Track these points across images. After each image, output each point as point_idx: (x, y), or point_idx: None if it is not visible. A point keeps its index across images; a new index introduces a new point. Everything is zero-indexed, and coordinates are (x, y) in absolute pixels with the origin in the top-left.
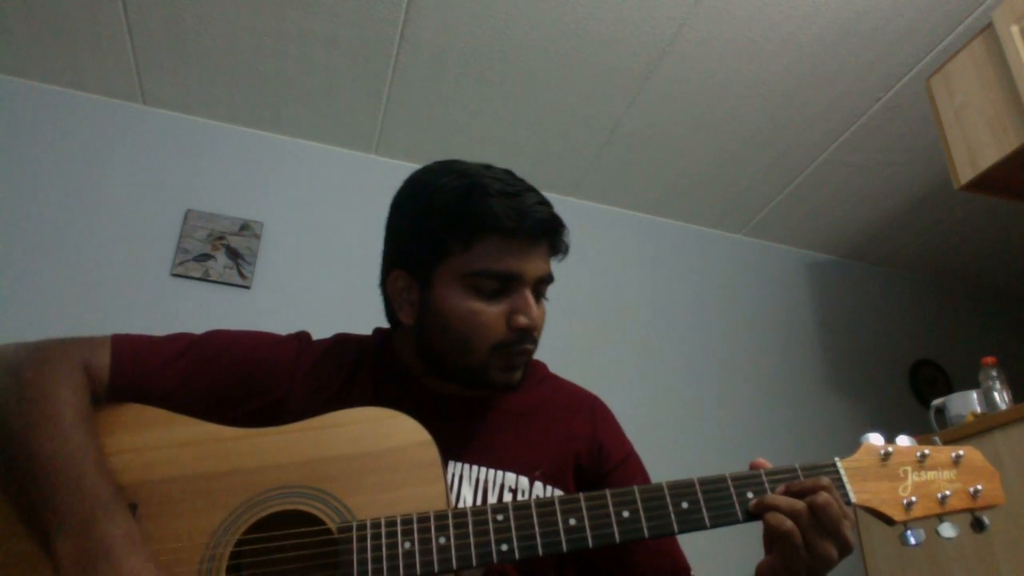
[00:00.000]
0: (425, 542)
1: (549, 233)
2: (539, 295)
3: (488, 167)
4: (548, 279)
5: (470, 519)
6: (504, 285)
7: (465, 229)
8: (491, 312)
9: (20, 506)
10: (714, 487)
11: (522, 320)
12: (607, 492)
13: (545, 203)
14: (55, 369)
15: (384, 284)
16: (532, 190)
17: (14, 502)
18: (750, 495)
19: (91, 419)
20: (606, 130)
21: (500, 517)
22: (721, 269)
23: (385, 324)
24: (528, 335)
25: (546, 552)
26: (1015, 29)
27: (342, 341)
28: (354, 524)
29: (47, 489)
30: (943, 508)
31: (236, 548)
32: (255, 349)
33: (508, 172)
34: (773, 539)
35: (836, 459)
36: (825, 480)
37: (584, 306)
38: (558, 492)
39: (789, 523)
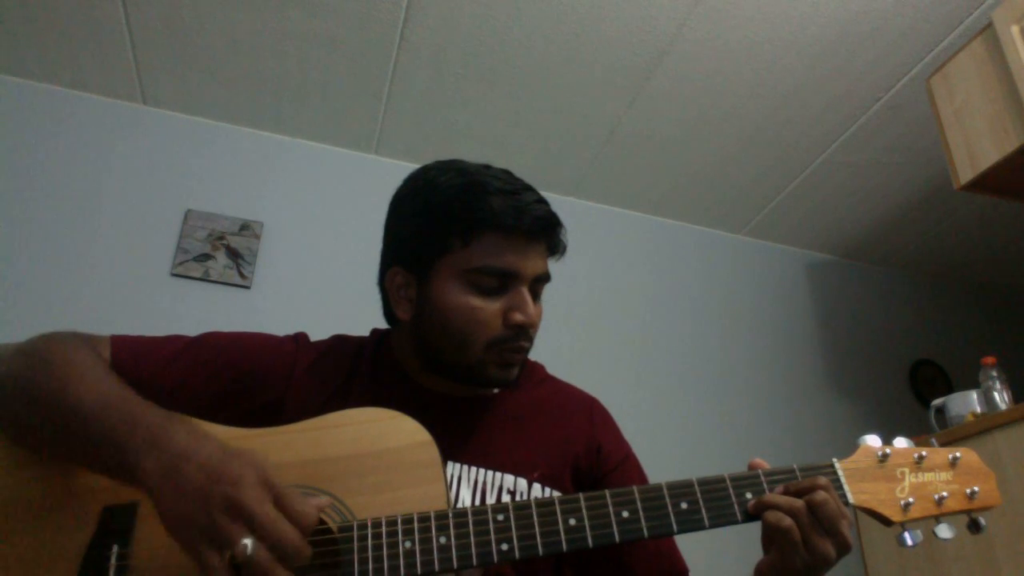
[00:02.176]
0: (426, 542)
1: (547, 231)
2: (536, 294)
3: (487, 166)
4: (545, 278)
5: (470, 519)
6: (502, 282)
7: (464, 226)
8: (489, 308)
9: (79, 455)
10: (713, 487)
11: (519, 317)
12: (607, 492)
13: (543, 202)
14: (69, 343)
15: (382, 281)
16: (530, 189)
17: (70, 455)
18: (749, 495)
19: (115, 374)
20: (606, 130)
21: (501, 517)
22: (721, 269)
23: (384, 325)
24: (524, 332)
25: (546, 552)
26: (1015, 29)
27: (340, 342)
28: (354, 524)
29: (107, 427)
30: (940, 509)
31: None
32: (253, 350)
33: (507, 172)
34: (772, 538)
35: (834, 460)
36: (823, 480)
37: (584, 306)
38: (556, 494)
39: (788, 521)
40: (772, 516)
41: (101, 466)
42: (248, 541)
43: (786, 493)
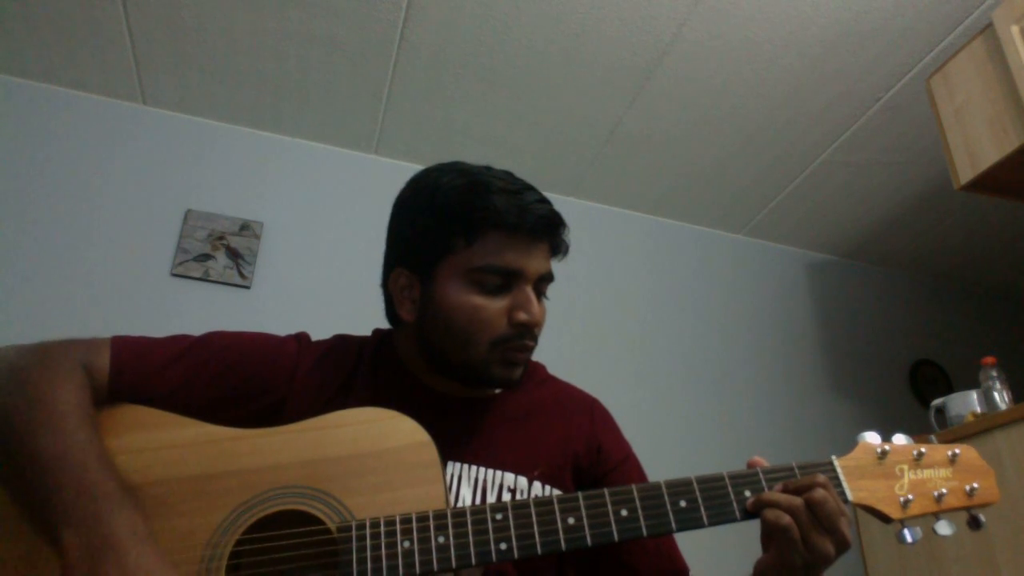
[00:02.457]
0: (424, 541)
1: (550, 230)
2: (540, 293)
3: (489, 168)
4: (549, 277)
5: (469, 518)
6: (506, 281)
7: (467, 225)
8: (493, 307)
9: (24, 504)
10: (712, 486)
11: (523, 316)
12: (605, 491)
13: (546, 201)
14: (56, 369)
15: (386, 283)
16: (532, 189)
17: (18, 500)
18: (748, 493)
19: (94, 418)
20: (606, 130)
21: (499, 516)
22: (721, 269)
23: (385, 325)
24: (529, 331)
25: (545, 551)
26: (1015, 29)
27: (341, 341)
28: (353, 524)
29: (52, 485)
30: (939, 506)
31: (236, 548)
32: (254, 350)
33: (509, 172)
34: (771, 536)
35: (833, 457)
36: (821, 477)
37: (584, 306)
38: (557, 493)
39: (787, 519)
40: (771, 514)
41: (32, 520)
42: None
43: (785, 491)
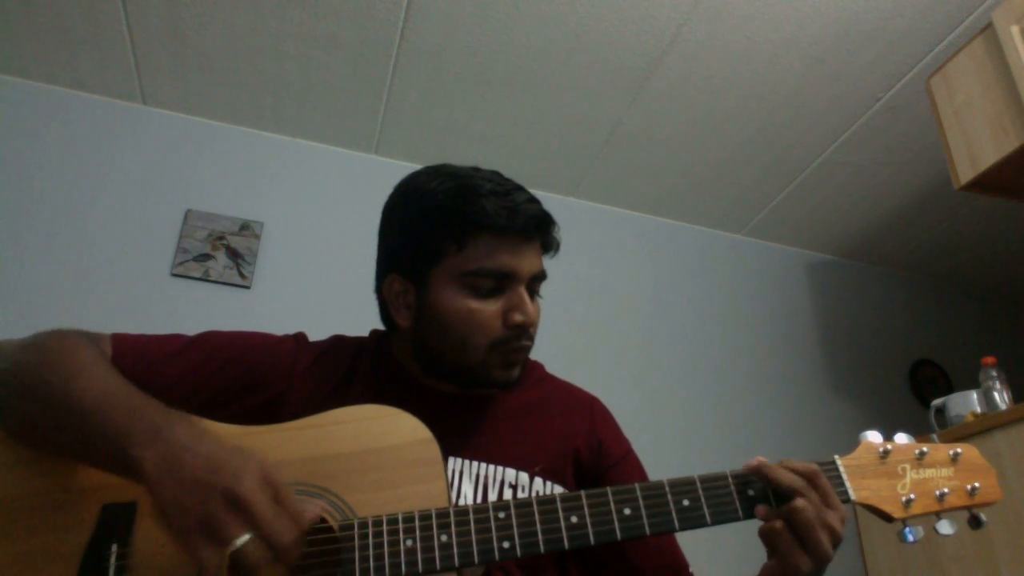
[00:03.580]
0: (427, 539)
1: (541, 229)
2: (533, 292)
3: (477, 169)
4: (541, 276)
5: (472, 516)
6: (499, 283)
7: (458, 229)
8: (488, 310)
9: (79, 448)
10: (715, 485)
11: (518, 317)
12: (608, 490)
13: (535, 201)
14: (71, 338)
15: (379, 289)
16: (521, 189)
17: (69, 449)
18: (751, 492)
19: (117, 371)
20: (606, 130)
21: (502, 515)
22: (721, 269)
23: (383, 326)
24: (525, 331)
25: (547, 549)
26: (1015, 29)
27: (339, 341)
28: (355, 522)
29: (109, 420)
30: (941, 505)
31: None
32: (253, 347)
33: (496, 173)
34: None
35: (835, 457)
36: (799, 482)
37: (584, 306)
38: (558, 488)
39: (779, 524)
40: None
41: (101, 460)
42: (246, 535)
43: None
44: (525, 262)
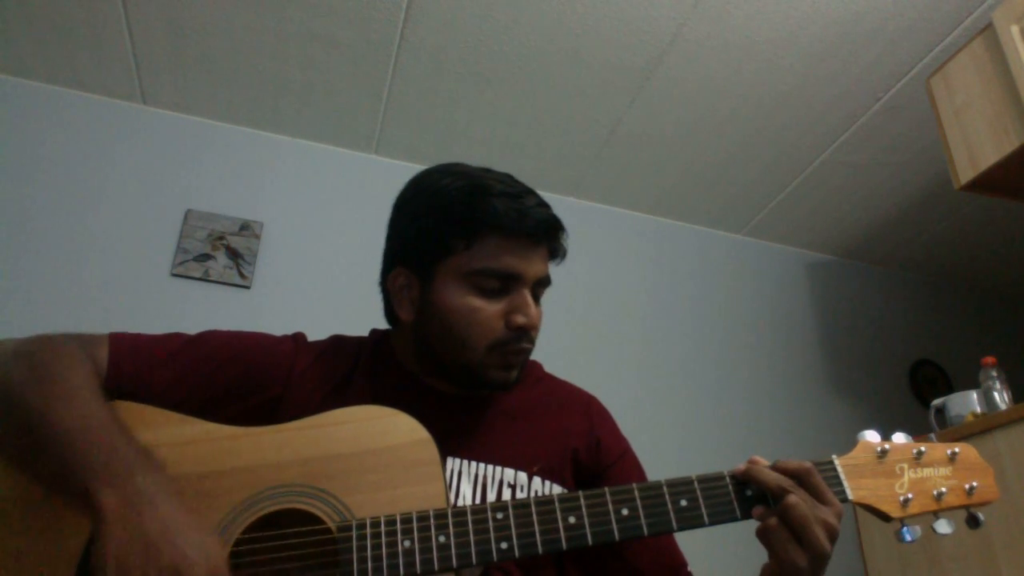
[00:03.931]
0: (425, 540)
1: (549, 234)
2: (536, 297)
3: (489, 170)
4: (546, 282)
5: (470, 517)
6: (504, 284)
7: (467, 228)
8: (490, 310)
9: (47, 475)
10: (712, 485)
11: (520, 319)
12: (606, 490)
13: (545, 205)
14: (62, 352)
15: (384, 281)
16: (532, 192)
17: (39, 474)
18: (749, 492)
19: (104, 396)
20: (606, 130)
21: (500, 515)
22: (721, 269)
23: (383, 325)
24: (526, 334)
25: (546, 550)
26: (1015, 29)
27: (338, 341)
28: (354, 523)
29: (79, 452)
30: (939, 505)
31: (235, 547)
32: (251, 347)
33: (509, 175)
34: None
35: (833, 456)
36: (787, 481)
37: (584, 306)
38: (556, 487)
39: (774, 521)
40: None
41: (61, 488)
42: None
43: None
44: (531, 265)
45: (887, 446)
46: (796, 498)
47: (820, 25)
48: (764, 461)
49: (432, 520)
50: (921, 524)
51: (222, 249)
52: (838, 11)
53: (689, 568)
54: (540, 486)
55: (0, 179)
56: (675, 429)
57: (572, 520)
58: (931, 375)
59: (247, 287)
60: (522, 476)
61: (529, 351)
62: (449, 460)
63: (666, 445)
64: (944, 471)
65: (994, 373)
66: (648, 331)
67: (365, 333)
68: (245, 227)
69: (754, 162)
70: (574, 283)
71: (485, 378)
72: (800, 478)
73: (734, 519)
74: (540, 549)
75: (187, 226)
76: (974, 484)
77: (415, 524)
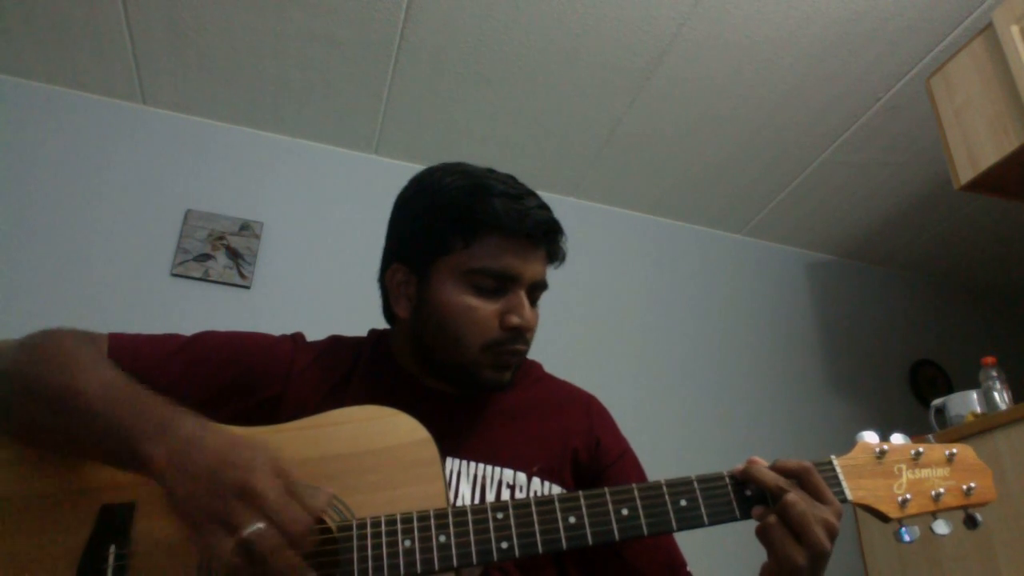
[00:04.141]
0: (425, 540)
1: (548, 236)
2: (533, 300)
3: (492, 171)
4: (543, 285)
5: (470, 517)
6: (501, 284)
7: (467, 226)
8: (486, 310)
9: (88, 448)
10: (712, 485)
11: (515, 320)
12: (606, 490)
13: (546, 208)
14: (67, 335)
15: (383, 277)
16: (534, 194)
17: (77, 448)
18: (748, 492)
19: (117, 368)
20: (606, 130)
21: (500, 515)
22: (721, 269)
23: (382, 325)
24: (521, 335)
25: (546, 550)
26: (1015, 29)
27: (337, 342)
28: (354, 523)
29: (114, 417)
30: (937, 505)
31: None
32: (250, 348)
33: (511, 176)
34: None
35: (832, 457)
36: (784, 481)
37: (584, 306)
38: (556, 488)
39: (773, 519)
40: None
41: (108, 456)
42: (260, 525)
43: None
44: (528, 267)
45: (885, 447)
46: (795, 496)
47: (820, 25)
48: (763, 461)
49: (432, 520)
50: (919, 524)
51: (222, 249)
52: (838, 11)
53: (689, 568)
54: (539, 486)
55: (0, 179)
56: (675, 429)
57: (572, 520)
58: (931, 375)
59: (247, 287)
60: (521, 476)
61: (523, 353)
62: (448, 460)
63: (666, 445)
64: (942, 472)
65: (994, 373)
66: (648, 331)
67: (364, 333)
68: (245, 227)
69: (754, 162)
70: (574, 283)
71: (478, 377)
72: (799, 477)
73: (733, 519)
74: (540, 549)
75: (187, 226)
76: (972, 485)
77: (415, 524)
